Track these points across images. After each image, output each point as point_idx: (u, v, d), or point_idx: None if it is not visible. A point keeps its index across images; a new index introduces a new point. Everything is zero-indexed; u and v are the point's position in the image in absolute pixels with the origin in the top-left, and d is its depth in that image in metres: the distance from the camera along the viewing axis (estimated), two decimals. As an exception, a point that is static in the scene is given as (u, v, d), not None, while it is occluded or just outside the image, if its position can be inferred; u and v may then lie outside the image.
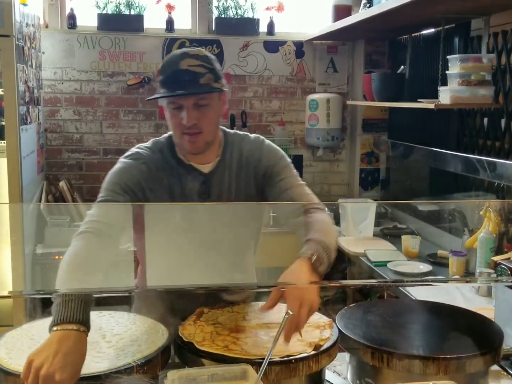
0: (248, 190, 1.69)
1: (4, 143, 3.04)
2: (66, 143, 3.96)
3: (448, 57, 2.77)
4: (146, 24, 3.96)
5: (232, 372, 1.22)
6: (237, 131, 1.80)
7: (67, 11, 3.90)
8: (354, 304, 1.62)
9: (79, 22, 3.91)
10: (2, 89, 2.97)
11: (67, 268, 1.42)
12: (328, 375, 1.44)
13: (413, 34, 3.63)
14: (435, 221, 3.10)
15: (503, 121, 2.77)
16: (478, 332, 1.42)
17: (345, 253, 3.07)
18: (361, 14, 3.20)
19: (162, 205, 1.65)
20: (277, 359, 1.28)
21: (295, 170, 1.74)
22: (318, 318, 1.51)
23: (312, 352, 1.32)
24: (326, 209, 1.65)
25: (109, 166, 1.69)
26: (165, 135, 1.73)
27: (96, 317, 1.54)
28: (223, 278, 1.69)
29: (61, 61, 3.88)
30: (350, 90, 4.22)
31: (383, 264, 2.76)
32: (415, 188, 3.76)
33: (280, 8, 4.06)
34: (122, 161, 1.65)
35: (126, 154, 1.68)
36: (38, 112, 3.59)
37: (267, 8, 4.07)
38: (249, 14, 4.06)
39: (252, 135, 1.76)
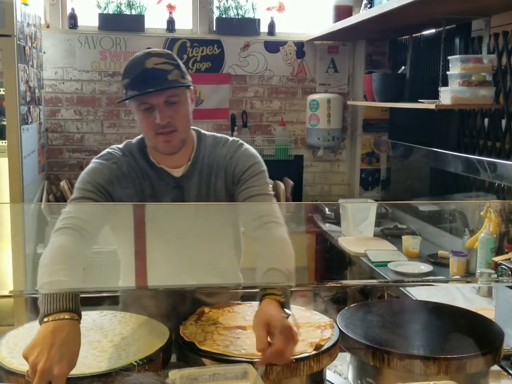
0: (218, 195, 1.66)
1: (5, 142, 3.05)
2: (67, 143, 3.96)
3: (449, 57, 2.78)
4: (147, 24, 3.97)
5: (233, 372, 1.22)
6: (215, 134, 1.76)
7: (68, 11, 3.91)
8: (355, 304, 1.62)
9: (80, 22, 3.92)
10: (3, 89, 2.98)
11: (51, 261, 1.41)
12: (329, 375, 1.44)
13: (413, 35, 3.63)
14: (436, 221, 3.10)
15: (503, 122, 2.77)
16: (478, 332, 1.43)
17: (345, 253, 3.08)
18: (362, 14, 3.21)
19: (139, 205, 1.64)
20: (278, 359, 1.29)
21: (267, 179, 1.69)
22: (319, 318, 1.52)
23: (313, 352, 1.32)
24: (285, 225, 1.59)
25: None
26: (137, 137, 1.72)
27: (98, 316, 1.55)
28: (197, 280, 1.66)
29: (62, 61, 3.88)
30: (351, 90, 4.22)
31: (384, 264, 2.76)
32: (415, 189, 3.77)
33: (281, 8, 4.06)
34: (94, 161, 1.66)
35: (98, 155, 1.68)
36: (39, 112, 3.59)
37: (268, 8, 4.08)
38: (250, 14, 4.06)
39: (230, 139, 1.73)
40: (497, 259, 2.12)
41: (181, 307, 1.65)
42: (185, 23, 4.09)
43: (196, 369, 1.25)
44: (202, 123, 4.05)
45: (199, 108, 4.04)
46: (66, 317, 1.23)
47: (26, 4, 3.28)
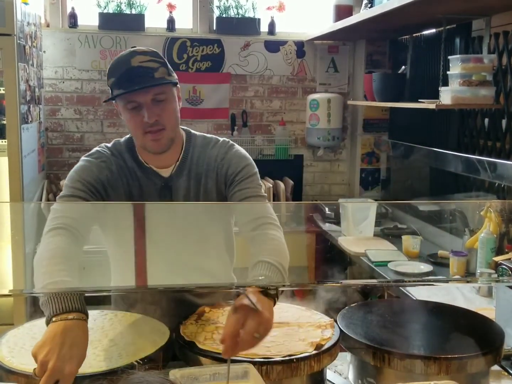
0: (208, 196, 1.65)
1: (5, 142, 3.04)
2: (67, 142, 3.96)
3: (449, 57, 2.77)
4: (147, 24, 3.96)
5: (234, 372, 1.22)
6: (205, 134, 1.75)
7: (68, 10, 3.90)
8: (355, 304, 1.62)
9: (80, 21, 3.91)
10: (3, 88, 2.97)
11: (49, 262, 1.40)
12: (329, 374, 1.44)
13: (414, 34, 3.63)
14: (436, 221, 3.10)
15: (504, 122, 2.77)
16: (479, 332, 1.43)
17: (345, 253, 3.08)
18: (362, 14, 3.21)
19: (130, 204, 1.64)
20: (278, 358, 1.29)
21: (259, 181, 1.68)
22: (319, 318, 1.52)
23: (314, 352, 1.32)
24: (280, 226, 1.57)
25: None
26: (126, 137, 1.71)
27: (99, 316, 1.55)
28: (188, 280, 1.66)
29: (62, 60, 3.88)
30: (351, 90, 4.22)
31: (384, 264, 2.76)
32: (415, 188, 3.77)
33: (281, 8, 4.06)
34: (83, 159, 1.66)
35: (87, 153, 1.68)
36: (39, 111, 3.59)
37: (268, 8, 4.07)
38: (250, 14, 4.06)
39: (221, 139, 1.72)
40: (498, 259, 2.12)
41: (172, 308, 1.64)
42: (185, 22, 4.09)
43: (197, 368, 1.26)
44: (202, 122, 4.05)
45: (199, 107, 4.04)
46: (75, 317, 1.24)
47: (26, 3, 3.28)
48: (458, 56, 2.75)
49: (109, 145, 1.70)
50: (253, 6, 4.04)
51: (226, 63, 4.05)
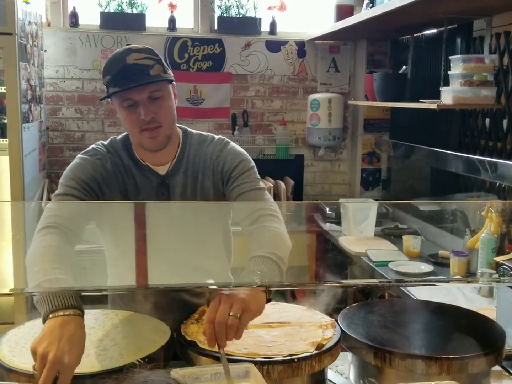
0: (205, 194, 1.65)
1: (6, 141, 3.05)
2: (68, 141, 3.96)
3: (450, 57, 2.77)
4: (148, 23, 3.97)
5: (235, 371, 1.22)
6: (201, 132, 1.74)
7: (70, 10, 3.91)
8: (356, 304, 1.62)
9: (81, 21, 3.92)
10: (5, 87, 2.98)
11: (42, 259, 1.40)
12: (330, 374, 1.44)
13: (415, 34, 3.63)
14: (437, 221, 3.10)
15: (505, 122, 2.77)
16: (480, 332, 1.42)
17: (346, 253, 3.08)
18: (363, 14, 3.20)
19: (124, 202, 1.64)
20: (279, 358, 1.29)
21: (257, 175, 1.67)
22: (320, 317, 1.52)
23: (315, 352, 1.32)
24: (281, 217, 1.56)
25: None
26: (122, 134, 1.71)
27: (100, 315, 1.55)
28: (184, 280, 1.65)
29: (63, 59, 3.88)
30: (352, 90, 4.22)
31: (384, 264, 2.76)
32: (416, 188, 3.77)
33: (282, 8, 4.07)
34: (78, 157, 1.66)
35: (83, 151, 1.68)
36: (40, 110, 3.59)
37: (269, 8, 4.08)
38: (251, 14, 4.06)
39: (217, 137, 1.71)
40: (499, 259, 2.12)
41: (171, 307, 1.64)
42: (186, 22, 4.09)
43: (198, 368, 1.26)
44: (203, 122, 4.05)
45: (200, 107, 4.04)
46: (71, 313, 1.24)
47: (27, 3, 3.28)
48: (459, 56, 2.74)
49: (105, 142, 1.70)
50: (254, 5, 4.04)
51: (227, 63, 4.05)
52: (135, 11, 3.92)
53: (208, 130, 3.98)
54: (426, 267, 2.70)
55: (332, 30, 3.68)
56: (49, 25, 3.90)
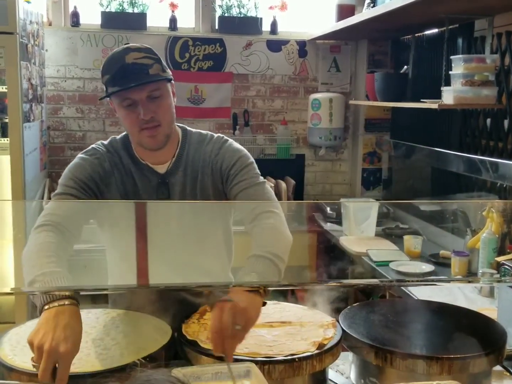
0: (204, 193, 1.65)
1: (7, 140, 3.05)
2: (69, 141, 3.96)
3: (451, 57, 2.77)
4: (149, 23, 3.96)
5: (236, 371, 1.22)
6: (201, 131, 1.75)
7: (71, 9, 3.91)
8: (358, 303, 1.62)
9: (82, 20, 3.92)
10: (6, 87, 2.98)
11: (37, 255, 1.40)
12: (331, 374, 1.44)
13: (416, 34, 3.63)
14: (437, 221, 3.10)
15: (506, 122, 2.77)
16: (481, 332, 1.42)
17: (347, 253, 3.08)
18: (364, 13, 3.20)
19: (124, 202, 1.64)
20: (280, 358, 1.29)
21: (256, 170, 1.67)
22: (321, 317, 1.52)
23: (316, 351, 1.32)
24: (280, 211, 1.56)
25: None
26: (122, 134, 1.71)
27: (101, 314, 1.55)
28: (185, 279, 1.66)
29: (64, 59, 3.88)
30: (353, 90, 4.22)
31: (385, 264, 2.76)
32: (417, 188, 3.77)
33: (283, 7, 4.06)
34: (78, 156, 1.67)
35: (83, 150, 1.68)
36: (41, 110, 3.59)
37: (270, 7, 4.07)
38: (252, 13, 4.06)
39: (216, 135, 1.72)
40: (500, 259, 2.12)
41: (171, 306, 1.64)
42: (188, 21, 4.09)
43: (199, 367, 1.26)
44: (203, 122, 4.05)
45: (200, 106, 4.04)
46: (66, 303, 1.25)
47: (28, 2, 3.28)
48: (460, 56, 2.74)
49: (105, 142, 1.70)
50: (255, 5, 4.04)
51: (228, 63, 4.04)
52: (136, 10, 3.92)
53: (209, 129, 3.95)
54: (427, 267, 2.70)
55: (333, 29, 3.68)
56: (50, 24, 3.90)
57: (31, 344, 1.18)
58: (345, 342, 1.41)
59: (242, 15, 4.05)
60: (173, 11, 4.00)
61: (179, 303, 1.65)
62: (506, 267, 2.01)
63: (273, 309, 1.56)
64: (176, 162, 1.67)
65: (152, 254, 1.62)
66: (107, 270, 1.74)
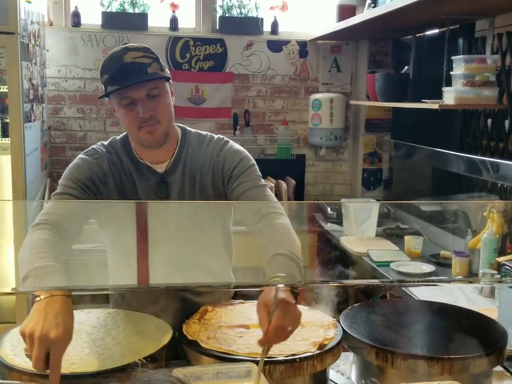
0: (204, 193, 1.66)
1: (8, 140, 3.05)
2: (70, 141, 3.96)
3: (452, 57, 2.77)
4: (150, 23, 3.96)
5: (237, 371, 1.22)
6: (201, 132, 1.75)
7: (72, 9, 3.91)
8: (358, 304, 1.62)
9: (83, 20, 3.92)
10: (7, 87, 2.98)
11: (31, 252, 1.41)
12: (332, 374, 1.44)
13: (417, 35, 3.63)
14: (438, 221, 3.10)
15: (507, 122, 2.77)
16: (482, 332, 1.42)
17: (347, 253, 3.08)
18: (365, 14, 3.20)
19: (124, 202, 1.65)
20: (281, 358, 1.29)
21: (258, 172, 1.68)
22: (322, 317, 1.52)
23: (316, 352, 1.32)
24: (285, 214, 1.58)
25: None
26: (122, 134, 1.72)
27: (102, 314, 1.55)
28: (185, 279, 1.66)
29: (65, 59, 3.88)
30: (354, 90, 4.22)
31: (386, 264, 2.76)
32: (418, 189, 3.76)
33: (284, 8, 4.06)
34: (78, 157, 1.68)
35: (83, 151, 1.70)
36: (42, 110, 3.60)
37: (271, 8, 4.07)
38: (253, 13, 4.06)
39: (216, 136, 1.72)
40: (500, 259, 2.12)
41: (171, 306, 1.64)
42: (188, 21, 4.09)
43: (200, 367, 1.26)
44: (204, 122, 4.05)
45: (201, 106, 4.04)
46: (57, 294, 1.25)
47: (29, 2, 3.28)
48: (461, 56, 2.74)
49: (105, 143, 1.72)
50: (256, 5, 4.04)
51: (229, 63, 4.05)
52: (137, 10, 3.92)
53: (209, 130, 3.98)
54: (428, 268, 2.70)
55: (334, 30, 3.68)
56: (51, 24, 3.90)
57: (23, 334, 1.19)
58: (346, 342, 1.41)
59: (242, 15, 4.05)
60: (174, 11, 4.00)
61: (179, 303, 1.65)
62: (507, 267, 2.01)
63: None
64: (175, 161, 1.67)
65: (152, 254, 1.62)
66: (108, 270, 1.75)
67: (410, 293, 2.36)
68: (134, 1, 3.89)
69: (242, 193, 1.62)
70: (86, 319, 1.51)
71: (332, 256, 3.24)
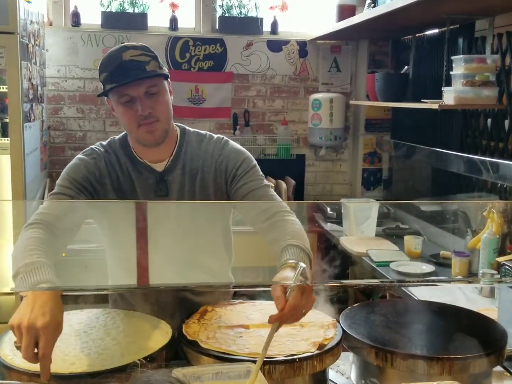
0: (204, 191, 1.65)
1: (7, 140, 3.05)
2: (69, 141, 3.96)
3: (452, 57, 2.77)
4: (150, 23, 3.96)
5: (236, 371, 1.22)
6: (200, 131, 1.76)
7: (71, 9, 3.91)
8: (358, 304, 1.62)
9: (83, 20, 3.92)
10: (6, 87, 2.98)
11: (22, 250, 1.41)
12: (332, 374, 1.44)
13: (417, 34, 3.63)
14: (438, 221, 3.10)
15: (506, 122, 2.77)
16: (481, 333, 1.42)
17: (347, 253, 3.08)
18: (365, 14, 3.20)
19: (123, 202, 1.65)
20: (281, 358, 1.29)
21: (260, 172, 1.68)
22: (321, 317, 1.51)
23: (316, 352, 1.32)
24: (293, 213, 1.59)
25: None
26: (121, 134, 1.72)
27: (101, 314, 1.55)
28: (185, 278, 1.66)
29: (65, 59, 3.88)
30: (353, 90, 4.21)
31: (386, 264, 2.76)
32: (417, 189, 3.76)
33: (283, 8, 4.06)
34: (76, 157, 1.68)
35: (82, 151, 1.70)
36: (42, 110, 3.59)
37: (271, 7, 4.07)
38: (252, 13, 4.06)
39: (215, 136, 1.73)
40: (500, 259, 2.12)
41: (171, 306, 1.64)
42: (188, 21, 4.09)
43: (199, 367, 1.25)
44: (204, 122, 4.05)
45: (201, 106, 4.04)
46: (44, 285, 1.27)
47: (29, 2, 3.28)
48: (461, 56, 2.74)
49: (104, 143, 1.72)
50: (255, 5, 4.04)
51: (229, 63, 4.04)
52: (136, 10, 3.92)
53: (209, 130, 3.98)
54: (428, 268, 2.70)
55: (333, 30, 3.68)
56: (51, 24, 3.90)
57: (11, 327, 1.19)
58: (346, 342, 1.41)
59: (242, 15, 4.05)
60: (173, 11, 4.00)
61: (179, 303, 1.65)
62: (507, 267, 2.01)
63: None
64: (174, 160, 1.67)
65: (152, 254, 1.62)
66: (107, 270, 1.75)
67: (410, 293, 2.36)
68: (134, 1, 3.89)
69: (248, 193, 1.62)
70: (85, 319, 1.51)
71: (331, 256, 3.24)
